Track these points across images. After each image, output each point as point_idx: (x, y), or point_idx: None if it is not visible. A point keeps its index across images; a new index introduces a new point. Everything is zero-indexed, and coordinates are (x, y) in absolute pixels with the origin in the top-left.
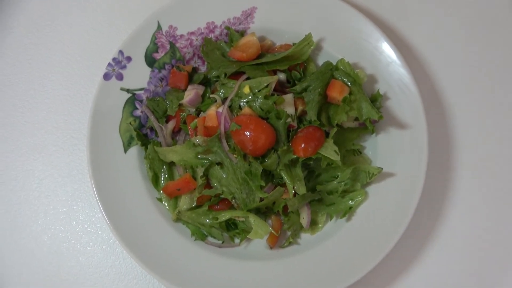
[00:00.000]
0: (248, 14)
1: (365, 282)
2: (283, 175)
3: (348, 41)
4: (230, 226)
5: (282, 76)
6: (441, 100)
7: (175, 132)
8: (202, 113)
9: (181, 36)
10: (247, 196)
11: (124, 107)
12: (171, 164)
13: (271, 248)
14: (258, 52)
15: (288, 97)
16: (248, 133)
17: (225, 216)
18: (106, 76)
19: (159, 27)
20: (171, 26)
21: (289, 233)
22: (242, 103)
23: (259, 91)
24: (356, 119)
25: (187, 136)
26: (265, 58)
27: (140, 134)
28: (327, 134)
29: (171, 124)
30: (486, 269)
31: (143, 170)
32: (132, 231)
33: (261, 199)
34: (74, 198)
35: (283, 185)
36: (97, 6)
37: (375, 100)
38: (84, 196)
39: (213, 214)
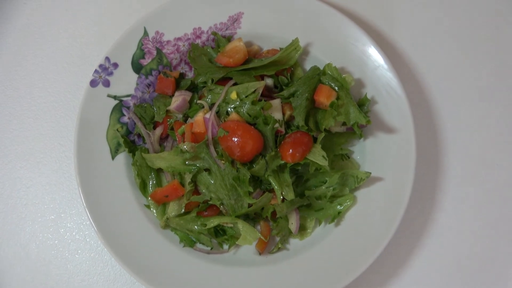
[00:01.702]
0: (235, 20)
1: (355, 286)
2: (271, 181)
3: (335, 46)
4: (219, 232)
5: (269, 81)
6: (429, 104)
7: (163, 139)
8: (189, 119)
9: (168, 42)
10: (235, 202)
11: (111, 114)
12: (159, 171)
13: (260, 254)
14: (245, 58)
15: (276, 103)
16: (235, 139)
17: (213, 222)
18: (93, 83)
19: (145, 33)
20: (157, 32)
21: (278, 238)
22: (229, 109)
23: (246, 96)
24: (344, 123)
25: (175, 142)
26: (252, 64)
27: (128, 141)
28: (315, 139)
29: (158, 131)
30: (476, 272)
31: (131, 176)
32: (120, 238)
33: (250, 205)
34: (61, 205)
35: (272, 190)
36: (84, 12)
37: (363, 104)
38: (72, 203)
39: (202, 221)
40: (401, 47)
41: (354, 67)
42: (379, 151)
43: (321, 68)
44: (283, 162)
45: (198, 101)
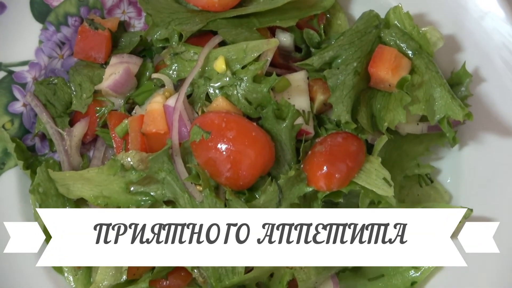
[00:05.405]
0: None
1: None
2: None
3: None
4: None
5: (286, 39)
6: None
7: (88, 143)
8: (137, 107)
9: None
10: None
11: None
12: (80, 203)
13: None
14: None
15: (298, 79)
16: (223, 147)
17: None
18: None
19: None
20: None
21: None
22: (211, 90)
23: (243, 67)
24: (424, 118)
25: (110, 151)
26: (253, 6)
27: (22, 147)
28: (369, 147)
29: (79, 129)
30: None
31: (29, 213)
32: None
33: (248, 269)
34: None
35: None
36: None
37: (459, 83)
38: None
39: None
40: None
41: (443, 14)
42: (487, 170)
43: (382, 15)
44: (310, 189)
45: (154, 75)
